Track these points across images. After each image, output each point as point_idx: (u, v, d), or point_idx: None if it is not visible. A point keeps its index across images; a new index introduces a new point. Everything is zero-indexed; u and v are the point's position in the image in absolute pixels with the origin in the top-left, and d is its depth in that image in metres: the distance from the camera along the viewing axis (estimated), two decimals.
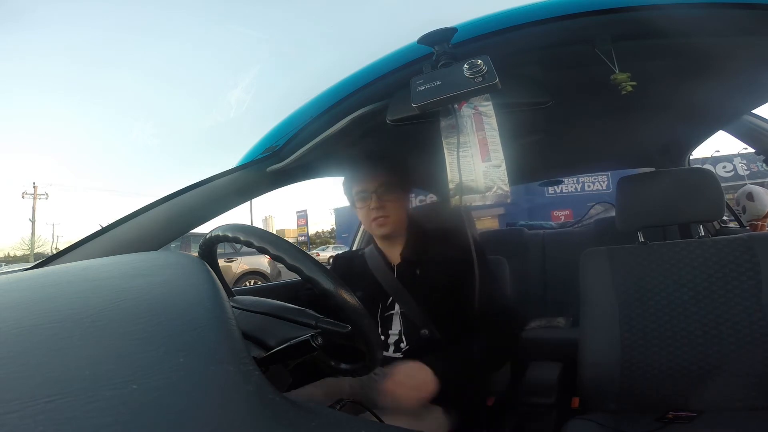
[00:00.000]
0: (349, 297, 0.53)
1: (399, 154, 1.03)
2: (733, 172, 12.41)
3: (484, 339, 0.89)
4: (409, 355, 0.90)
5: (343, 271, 1.07)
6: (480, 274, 0.83)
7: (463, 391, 0.90)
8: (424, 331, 0.91)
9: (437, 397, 0.86)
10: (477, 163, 0.59)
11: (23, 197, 19.92)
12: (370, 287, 0.97)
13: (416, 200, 2.06)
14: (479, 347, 0.88)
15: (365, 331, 0.56)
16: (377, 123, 0.76)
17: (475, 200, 0.59)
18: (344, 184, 1.04)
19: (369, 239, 1.46)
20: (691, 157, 1.63)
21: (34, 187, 20.02)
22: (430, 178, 1.61)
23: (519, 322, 1.01)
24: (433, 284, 0.93)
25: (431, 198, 2.02)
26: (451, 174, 0.60)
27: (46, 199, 20.18)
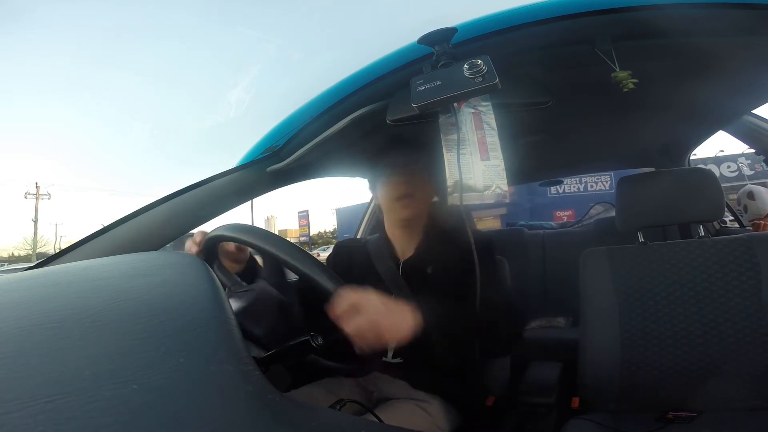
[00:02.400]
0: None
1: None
2: (737, 172, 12.30)
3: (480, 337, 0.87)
4: (408, 361, 0.86)
5: (344, 264, 0.97)
6: (489, 274, 0.79)
7: (464, 386, 0.90)
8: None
9: (437, 391, 0.86)
10: (476, 162, 0.59)
11: (26, 197, 19.96)
12: (372, 284, 0.92)
13: None
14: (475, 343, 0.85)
15: None
16: (377, 123, 0.76)
17: (473, 199, 0.59)
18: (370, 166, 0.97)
19: (376, 228, 1.35)
20: (693, 157, 1.63)
21: (36, 187, 20.11)
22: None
23: (520, 322, 0.98)
24: (445, 285, 0.86)
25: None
26: (450, 172, 0.60)
27: (49, 199, 20.24)
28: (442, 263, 0.88)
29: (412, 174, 0.89)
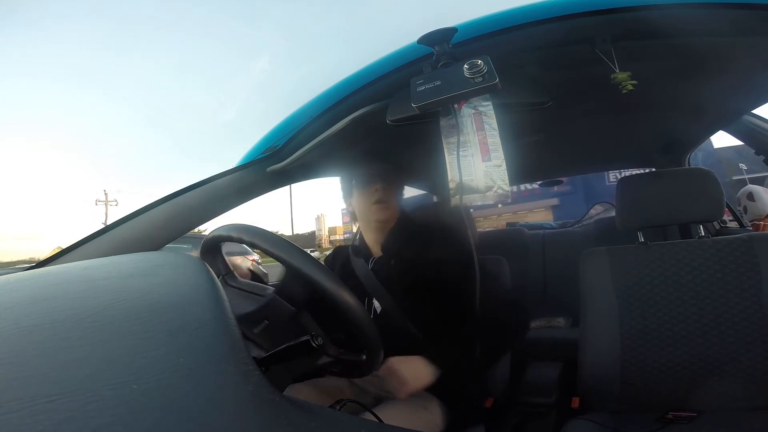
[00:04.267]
0: (349, 298, 0.53)
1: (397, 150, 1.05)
2: None
3: (478, 337, 0.88)
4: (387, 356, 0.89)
5: (330, 263, 1.09)
6: (469, 274, 0.83)
7: (460, 387, 0.90)
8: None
9: (434, 391, 0.86)
10: (477, 163, 0.59)
11: (96, 204, 22.13)
12: (349, 279, 0.96)
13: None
14: (472, 344, 0.87)
15: (366, 333, 0.56)
16: (377, 123, 0.76)
17: (475, 200, 0.59)
18: (343, 176, 1.07)
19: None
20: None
21: (105, 194, 22.26)
22: (430, 179, 1.61)
23: (519, 322, 1.00)
24: (411, 278, 0.92)
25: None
26: (451, 173, 0.60)
27: (116, 205, 22.28)
28: (408, 257, 0.95)
29: (386, 181, 0.97)
